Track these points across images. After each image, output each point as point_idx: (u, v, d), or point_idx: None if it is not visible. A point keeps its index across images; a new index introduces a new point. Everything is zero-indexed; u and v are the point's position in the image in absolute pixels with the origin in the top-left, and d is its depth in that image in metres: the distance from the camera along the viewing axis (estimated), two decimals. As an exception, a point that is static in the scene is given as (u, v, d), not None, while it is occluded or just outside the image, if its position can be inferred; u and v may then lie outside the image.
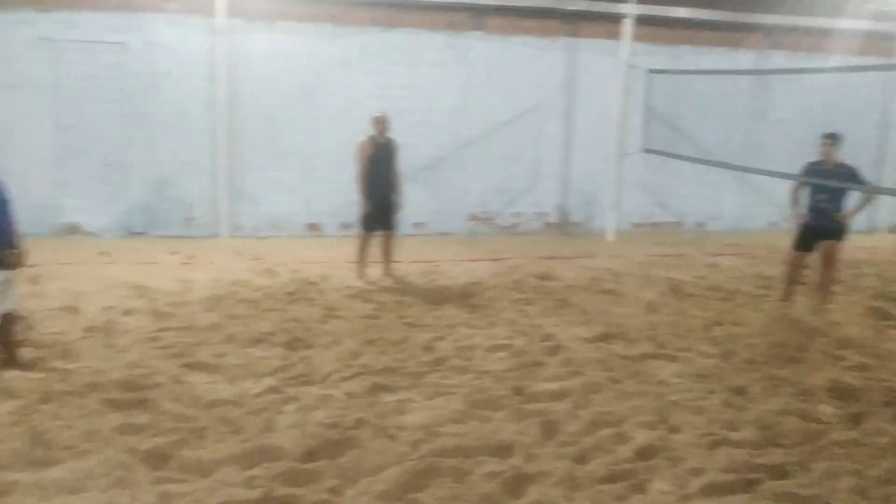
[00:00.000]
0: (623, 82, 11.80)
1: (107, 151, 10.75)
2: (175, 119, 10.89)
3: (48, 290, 7.55)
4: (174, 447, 4.25)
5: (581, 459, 4.30)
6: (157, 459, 4.12)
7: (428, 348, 6.24)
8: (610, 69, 11.99)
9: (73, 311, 6.98)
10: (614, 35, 11.89)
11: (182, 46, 10.78)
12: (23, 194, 5.28)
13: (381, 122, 8.59)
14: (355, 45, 11.38)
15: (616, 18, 11.78)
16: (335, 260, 9.58)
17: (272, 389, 5.19)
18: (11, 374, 5.22)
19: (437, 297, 7.91)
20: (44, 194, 10.32)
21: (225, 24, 10.70)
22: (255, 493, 3.74)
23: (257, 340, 6.29)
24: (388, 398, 5.13)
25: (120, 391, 5.07)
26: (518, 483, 4.01)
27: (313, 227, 11.57)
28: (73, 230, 10.69)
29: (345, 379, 5.47)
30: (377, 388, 5.28)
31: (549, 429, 4.67)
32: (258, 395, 5.10)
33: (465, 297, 7.94)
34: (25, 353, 5.62)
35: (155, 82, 10.76)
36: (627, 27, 11.71)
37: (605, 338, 6.62)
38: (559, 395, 5.24)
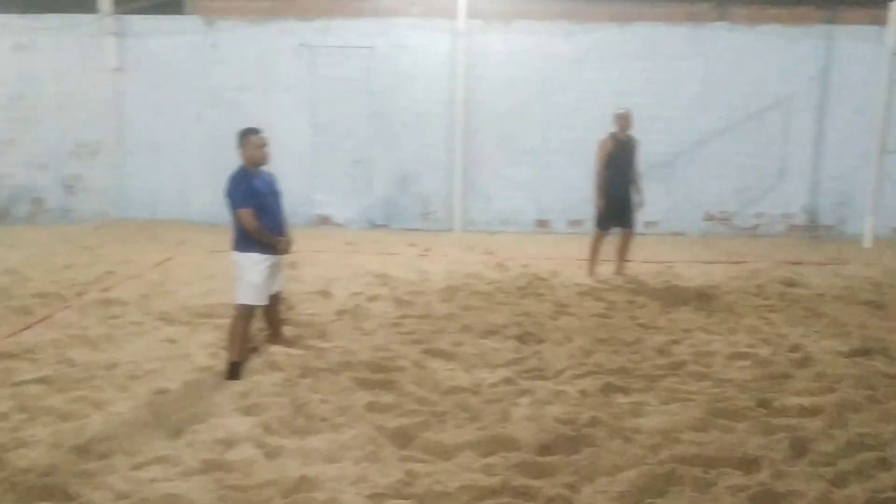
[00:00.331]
0: (888, 72, 10.63)
1: (354, 149, 11.57)
2: (416, 118, 11.46)
3: (304, 275, 8.28)
4: (418, 428, 4.48)
5: (838, 482, 3.95)
6: (402, 438, 4.37)
7: (663, 351, 6.05)
8: (873, 58, 10.86)
9: (326, 295, 7.60)
10: (880, 20, 10.74)
11: (424, 48, 11.32)
12: (283, 188, 5.80)
13: (623, 119, 8.38)
14: (590, 42, 11.28)
15: (882, 1, 10.64)
16: (564, 256, 9.59)
17: (507, 381, 5.31)
18: (276, 349, 5.80)
19: (672, 298, 7.64)
20: (300, 188, 11.29)
21: (465, 25, 11.08)
22: (494, 481, 3.84)
23: (491, 332, 6.46)
24: (623, 399, 5.04)
25: (368, 371, 5.45)
26: (766, 500, 3.77)
27: (542, 223, 11.65)
28: (323, 221, 11.64)
29: (577, 376, 5.46)
30: (611, 389, 5.21)
31: (800, 446, 4.34)
32: (493, 385, 5.24)
33: (701, 300, 7.59)
34: (287, 330, 6.21)
35: (399, 83, 11.41)
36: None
37: (863, 352, 6.01)
38: (810, 412, 4.84)
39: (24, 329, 6.31)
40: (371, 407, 4.80)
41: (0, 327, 6.36)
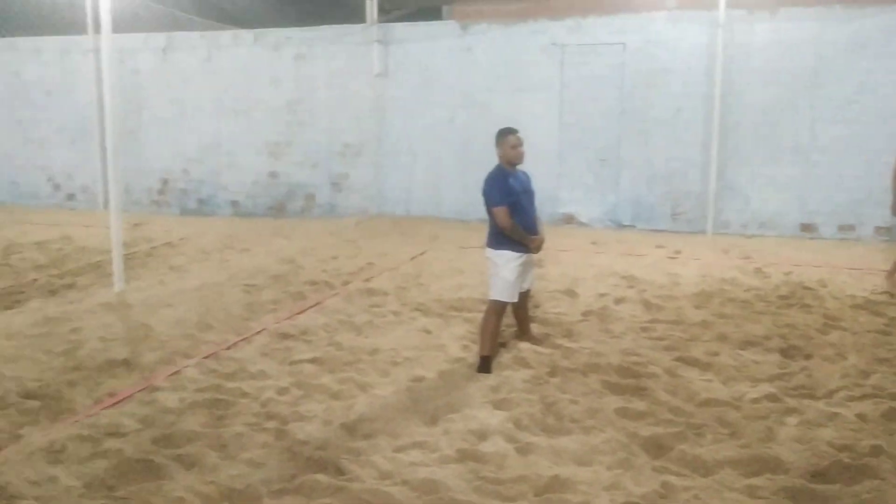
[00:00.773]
0: None
1: (602, 147, 11.41)
2: (668, 115, 11.05)
3: (550, 274, 8.30)
4: (672, 439, 4.29)
5: None
6: (656, 448, 4.21)
7: (960, 378, 5.27)
8: None
9: (572, 294, 7.56)
10: None
11: (680, 43, 10.87)
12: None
13: None
14: (872, 26, 10.16)
15: None
16: (834, 264, 8.74)
17: (770, 397, 4.91)
18: (524, 346, 5.86)
19: (970, 317, 6.66)
20: (546, 186, 11.35)
21: (725, 15, 10.48)
22: (760, 504, 3.58)
23: (750, 343, 6.04)
24: (911, 429, 4.46)
25: (617, 375, 5.32)
26: None
27: (807, 227, 10.70)
28: (568, 220, 11.61)
29: (853, 398, 4.92)
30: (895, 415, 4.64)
31: None
32: (755, 400, 4.88)
33: None
34: (534, 328, 6.25)
35: (651, 80, 11.06)
36: None
37: None
38: None
39: (300, 313, 6.96)
40: (622, 412, 4.68)
41: (280, 310, 7.08)
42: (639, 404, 4.81)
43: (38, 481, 3.83)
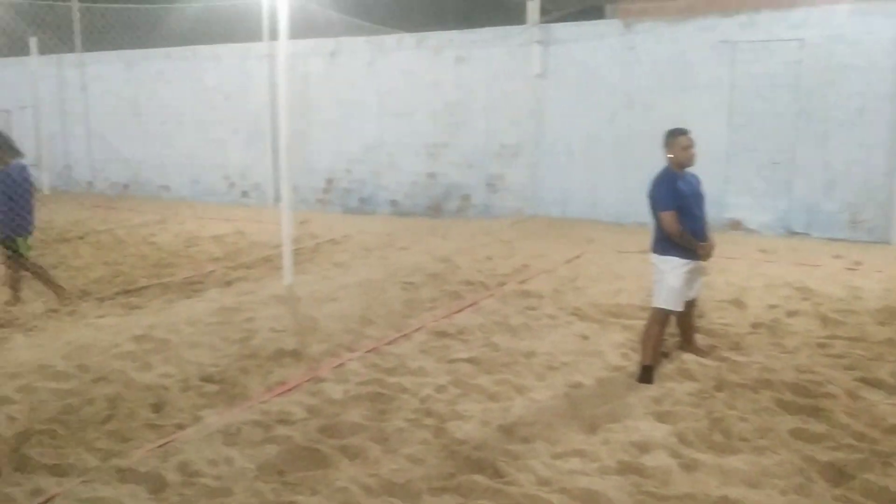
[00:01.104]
0: None
1: (774, 149, 10.76)
2: (849, 116, 10.25)
3: (715, 282, 7.89)
4: (855, 467, 3.96)
5: None
6: (836, 475, 3.90)
7: None
8: None
9: (739, 305, 7.17)
10: None
11: (865, 37, 10.04)
12: (699, 190, 5.57)
13: None
14: None
15: None
16: None
17: (972, 428, 4.43)
18: (688, 357, 5.62)
19: None
20: (712, 190, 10.75)
21: (921, 6, 9.61)
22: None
23: (946, 366, 5.47)
24: None
25: (791, 394, 4.98)
26: None
27: None
28: (735, 226, 11.03)
29: None
30: None
31: None
32: (954, 431, 4.41)
33: None
34: (699, 339, 5.97)
35: (832, 77, 10.30)
36: None
37: None
38: None
39: (457, 312, 7.03)
40: (797, 434, 4.38)
41: (437, 309, 7.18)
42: (816, 426, 4.48)
43: (216, 461, 4.09)
